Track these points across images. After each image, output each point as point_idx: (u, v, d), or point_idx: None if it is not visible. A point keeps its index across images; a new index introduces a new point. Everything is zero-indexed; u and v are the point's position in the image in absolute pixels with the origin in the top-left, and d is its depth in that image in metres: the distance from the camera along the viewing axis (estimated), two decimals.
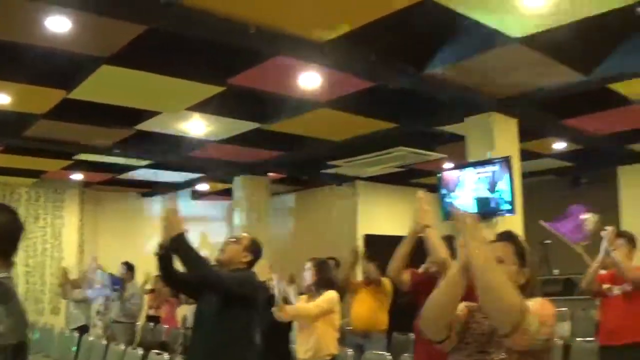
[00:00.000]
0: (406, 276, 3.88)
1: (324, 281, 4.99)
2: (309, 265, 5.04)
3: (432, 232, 3.60)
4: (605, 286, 4.74)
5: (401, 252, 3.77)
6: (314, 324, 4.79)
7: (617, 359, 4.58)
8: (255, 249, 3.86)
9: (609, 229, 4.66)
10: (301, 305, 4.88)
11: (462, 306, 2.25)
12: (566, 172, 11.76)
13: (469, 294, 2.14)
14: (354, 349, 5.92)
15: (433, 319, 2.20)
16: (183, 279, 3.73)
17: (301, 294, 5.23)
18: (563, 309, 9.27)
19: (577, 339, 7.03)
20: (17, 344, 1.83)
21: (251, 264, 3.82)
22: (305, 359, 4.81)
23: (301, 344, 4.88)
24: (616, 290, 4.66)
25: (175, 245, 3.41)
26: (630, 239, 4.79)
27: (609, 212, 9.88)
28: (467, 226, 2.09)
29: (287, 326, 5.32)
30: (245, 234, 4.00)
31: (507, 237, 2.29)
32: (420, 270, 4.03)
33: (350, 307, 7.01)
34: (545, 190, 12.06)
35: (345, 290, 6.89)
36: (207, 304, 3.64)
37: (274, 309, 4.73)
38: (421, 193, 3.66)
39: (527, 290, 2.18)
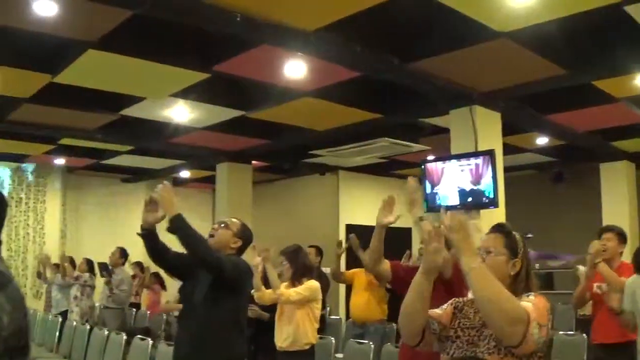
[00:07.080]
0: (386, 268, 3.52)
1: (300, 269, 4.87)
2: (282, 260, 4.93)
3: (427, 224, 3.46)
4: (596, 285, 4.64)
5: (374, 244, 3.45)
6: (293, 312, 4.72)
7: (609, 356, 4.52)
8: (245, 235, 3.73)
9: (594, 242, 4.57)
10: (282, 290, 4.74)
11: (446, 305, 2.29)
12: (548, 167, 11.80)
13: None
14: (354, 338, 5.97)
15: (406, 326, 2.23)
16: (172, 258, 3.57)
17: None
18: None
19: (559, 332, 7.12)
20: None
21: (241, 250, 3.70)
22: (284, 347, 4.74)
23: (280, 332, 4.80)
24: (605, 287, 4.55)
25: (174, 225, 3.23)
26: (619, 234, 4.73)
27: (591, 208, 9.98)
28: (457, 237, 2.07)
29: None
30: (235, 219, 3.79)
31: (497, 228, 2.33)
32: (403, 262, 3.75)
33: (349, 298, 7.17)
34: (526, 185, 12.12)
35: (329, 281, 6.99)
36: (194, 289, 3.49)
37: (253, 292, 4.63)
38: (412, 180, 3.37)
39: (519, 281, 2.21)
